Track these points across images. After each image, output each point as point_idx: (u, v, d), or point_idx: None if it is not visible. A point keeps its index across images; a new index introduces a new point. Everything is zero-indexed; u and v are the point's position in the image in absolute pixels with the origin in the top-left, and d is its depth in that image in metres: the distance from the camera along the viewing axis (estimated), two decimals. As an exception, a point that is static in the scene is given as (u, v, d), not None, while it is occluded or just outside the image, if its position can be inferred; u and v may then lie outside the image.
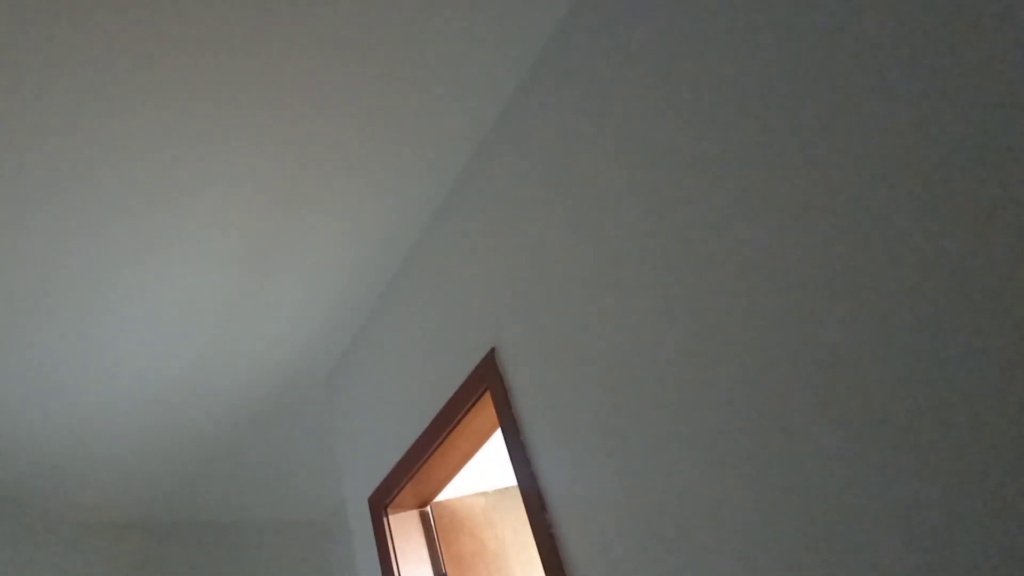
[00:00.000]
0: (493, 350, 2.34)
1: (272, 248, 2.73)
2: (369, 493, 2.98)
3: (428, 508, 2.90)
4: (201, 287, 2.81)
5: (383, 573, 2.74)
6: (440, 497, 2.90)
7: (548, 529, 2.04)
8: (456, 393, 2.46)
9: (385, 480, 2.83)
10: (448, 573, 2.73)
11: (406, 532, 2.80)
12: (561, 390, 2.09)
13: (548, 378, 2.14)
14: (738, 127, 1.70)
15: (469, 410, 2.42)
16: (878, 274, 1.39)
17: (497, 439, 2.87)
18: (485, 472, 3.09)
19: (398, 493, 2.79)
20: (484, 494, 2.91)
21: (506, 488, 2.97)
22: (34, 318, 2.74)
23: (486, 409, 2.44)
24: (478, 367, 2.38)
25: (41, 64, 1.99)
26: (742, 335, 1.63)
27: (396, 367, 2.90)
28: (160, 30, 2.00)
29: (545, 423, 2.13)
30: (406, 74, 2.28)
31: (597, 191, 2.05)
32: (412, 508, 2.88)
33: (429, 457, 2.62)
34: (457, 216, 2.64)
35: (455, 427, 2.48)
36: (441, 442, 2.54)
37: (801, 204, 1.54)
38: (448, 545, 2.79)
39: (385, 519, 2.82)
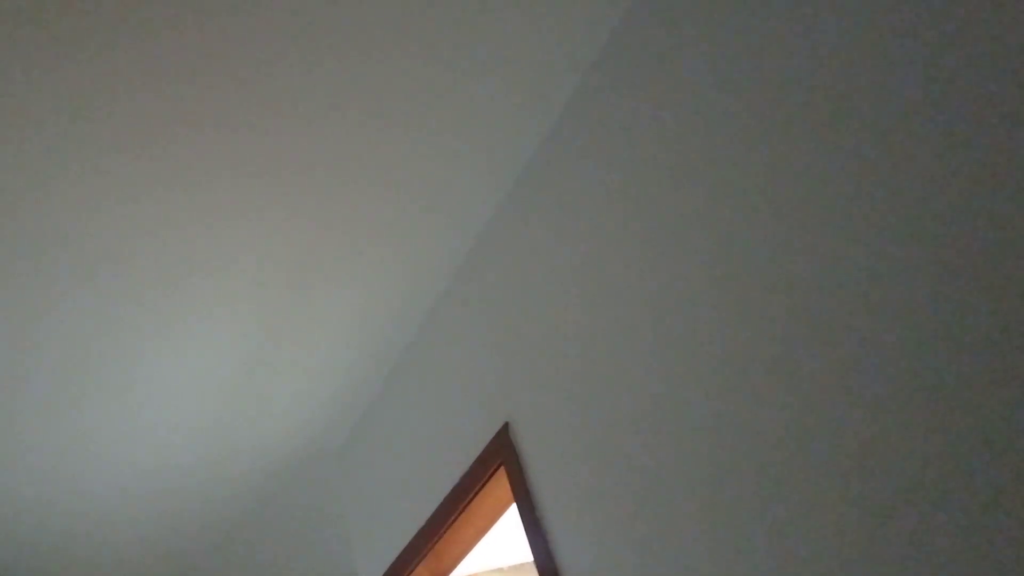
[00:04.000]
0: (507, 424, 2.34)
1: (284, 323, 2.75)
2: (383, 570, 2.94)
3: (443, 585, 2.86)
4: (212, 366, 2.82)
5: (397, 654, 2.69)
6: (455, 573, 2.87)
7: (565, 607, 2.01)
8: (470, 468, 2.45)
9: (399, 557, 2.80)
10: (464, 653, 2.68)
11: (420, 610, 2.76)
12: (577, 465, 2.08)
13: (564, 452, 2.13)
14: (750, 197, 1.72)
15: (483, 485, 2.40)
16: (877, 320, 1.40)
17: (513, 513, 2.85)
18: (501, 547, 3.06)
19: (412, 570, 2.76)
20: (500, 570, 2.87)
21: (522, 564, 2.93)
22: (52, 398, 2.75)
23: (500, 484, 2.42)
24: (492, 441, 2.37)
25: (51, 148, 2.05)
26: (765, 408, 1.62)
27: (408, 440, 2.89)
28: (170, 108, 2.05)
29: (561, 498, 2.11)
30: (419, 145, 2.32)
31: (612, 261, 2.08)
32: (426, 586, 2.85)
33: (443, 533, 2.60)
34: (469, 287, 2.66)
35: (469, 503, 2.46)
36: (455, 518, 2.52)
37: (815, 268, 1.56)
38: (463, 624, 2.74)
39: (399, 597, 2.78)
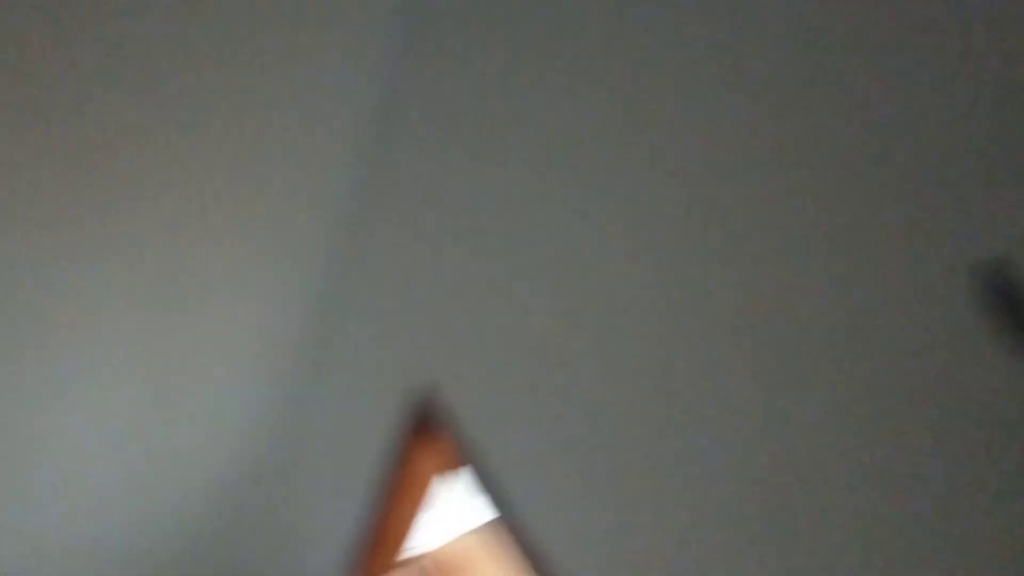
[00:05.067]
0: (430, 387, 2.02)
1: (179, 350, 2.35)
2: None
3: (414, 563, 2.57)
4: (110, 417, 2.41)
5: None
6: (418, 551, 2.58)
7: (539, 559, 1.76)
8: (400, 441, 2.13)
9: (354, 554, 2.49)
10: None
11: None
12: (514, 409, 1.79)
13: (497, 401, 1.84)
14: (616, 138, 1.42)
15: (414, 455, 2.09)
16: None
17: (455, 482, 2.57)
18: (462, 512, 2.78)
19: (371, 561, 2.46)
20: (470, 534, 2.60)
21: (478, 528, 2.67)
22: None
23: (437, 451, 2.12)
24: (418, 408, 2.05)
25: None
26: (697, 356, 1.35)
27: (337, 434, 2.55)
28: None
29: (504, 452, 1.83)
30: (272, 119, 1.93)
31: (501, 203, 1.75)
32: (392, 571, 2.55)
33: (384, 518, 2.29)
34: (359, 263, 2.30)
35: (404, 475, 2.15)
36: (392, 497, 2.21)
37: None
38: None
39: (367, 594, 2.48)
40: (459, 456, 1.93)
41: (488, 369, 1.85)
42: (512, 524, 1.83)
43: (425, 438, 2.04)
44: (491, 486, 1.87)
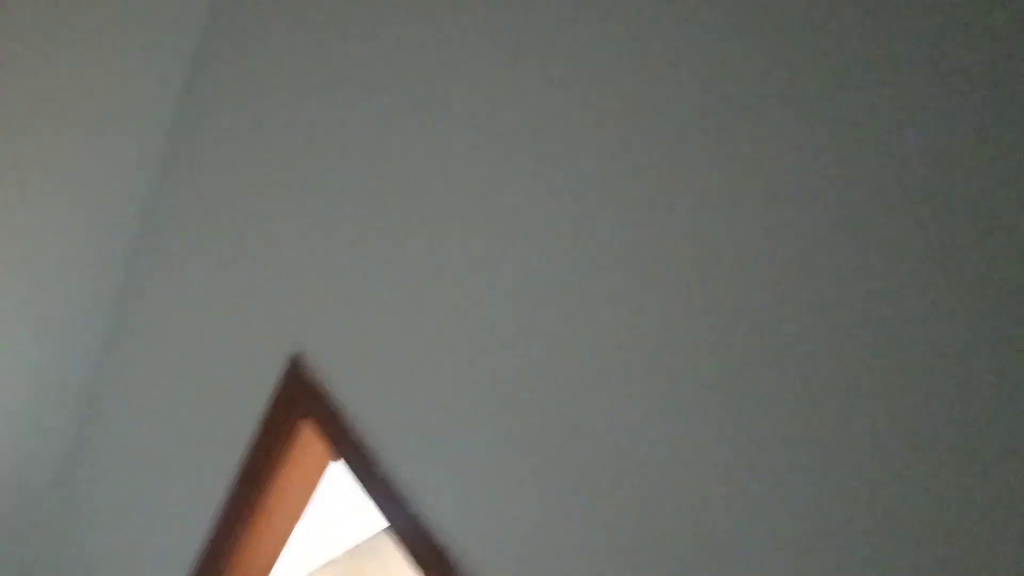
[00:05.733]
0: (297, 358, 1.61)
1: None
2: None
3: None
4: None
5: None
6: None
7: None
8: (261, 430, 1.69)
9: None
10: None
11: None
12: (412, 388, 1.43)
13: (379, 377, 1.47)
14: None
15: (285, 447, 1.66)
16: None
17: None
18: (314, 535, 2.33)
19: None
20: (334, 562, 2.16)
21: (358, 545, 2.23)
22: None
23: (310, 443, 1.70)
24: (284, 386, 1.63)
25: None
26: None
27: (161, 427, 2.07)
28: None
29: (405, 440, 1.46)
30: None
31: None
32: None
33: (247, 530, 1.83)
34: (185, 210, 1.87)
35: (273, 477, 1.70)
36: (257, 505, 1.76)
37: None
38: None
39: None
40: (338, 445, 1.52)
41: (367, 328, 1.47)
42: (410, 528, 1.44)
43: (292, 425, 1.62)
44: (380, 484, 1.48)
